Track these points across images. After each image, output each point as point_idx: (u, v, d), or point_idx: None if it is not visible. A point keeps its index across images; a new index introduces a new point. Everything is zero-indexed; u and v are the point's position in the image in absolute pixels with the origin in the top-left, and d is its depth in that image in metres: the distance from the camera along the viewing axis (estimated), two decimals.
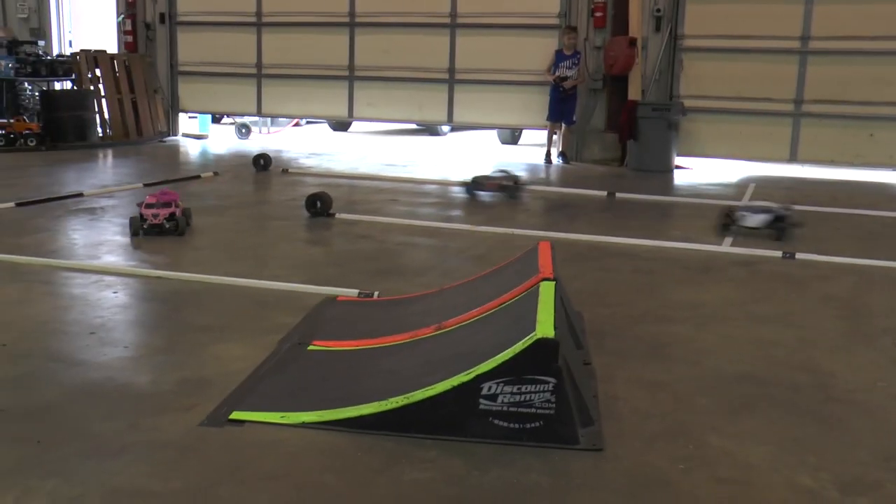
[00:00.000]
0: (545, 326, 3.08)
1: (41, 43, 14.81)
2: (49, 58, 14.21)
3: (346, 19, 13.83)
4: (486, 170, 9.93)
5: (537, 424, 3.04)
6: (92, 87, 13.53)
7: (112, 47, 14.79)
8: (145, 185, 8.93)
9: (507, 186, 9.04)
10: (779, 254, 6.47)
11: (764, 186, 10.67)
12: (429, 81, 13.55)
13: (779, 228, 7.19)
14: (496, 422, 3.05)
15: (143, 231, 6.52)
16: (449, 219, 7.88)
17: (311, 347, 4.04)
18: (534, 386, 3.02)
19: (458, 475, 2.83)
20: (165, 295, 4.99)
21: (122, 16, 14.60)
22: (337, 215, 7.56)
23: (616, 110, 12.25)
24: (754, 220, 7.26)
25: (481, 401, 3.05)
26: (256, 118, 15.64)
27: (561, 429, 3.04)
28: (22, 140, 12.31)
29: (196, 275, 5.34)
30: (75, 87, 13.84)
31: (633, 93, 12.05)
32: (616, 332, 4.46)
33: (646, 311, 4.90)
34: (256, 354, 3.93)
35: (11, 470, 2.80)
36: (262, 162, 10.74)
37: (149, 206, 6.65)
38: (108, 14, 15.49)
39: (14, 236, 6.40)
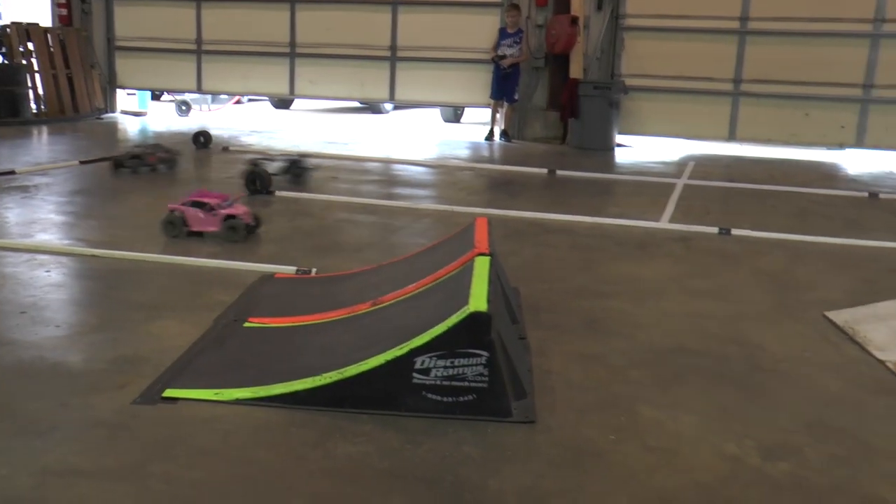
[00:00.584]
0: (478, 300, 3.10)
1: None
2: None
3: None
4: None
5: (470, 398, 3.06)
6: (24, 62, 13.19)
7: (46, 20, 14.43)
8: (81, 163, 8.76)
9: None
10: (715, 230, 6.58)
11: (703, 164, 10.84)
12: (371, 59, 13.50)
13: (295, 173, 8.30)
14: (430, 395, 3.07)
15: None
16: (390, 196, 7.88)
17: (246, 324, 4.02)
18: (467, 359, 3.04)
19: (391, 448, 2.85)
20: (101, 273, 4.91)
21: None
22: (276, 193, 7.50)
23: (558, 89, 12.32)
24: (273, 166, 8.15)
25: (414, 375, 3.07)
26: (197, 95, 15.42)
27: (494, 402, 3.07)
28: None
29: (132, 253, 5.26)
30: (6, 62, 13.48)
31: (575, 71, 12.13)
32: (552, 306, 4.50)
33: (582, 286, 4.95)
34: (192, 332, 3.89)
35: None
36: (202, 139, 10.60)
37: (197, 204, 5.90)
38: None
39: None
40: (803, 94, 12.04)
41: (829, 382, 3.62)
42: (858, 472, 2.83)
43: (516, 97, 12.56)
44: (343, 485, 2.63)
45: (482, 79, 12.79)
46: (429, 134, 13.68)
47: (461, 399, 3.07)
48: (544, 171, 9.48)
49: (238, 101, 17.95)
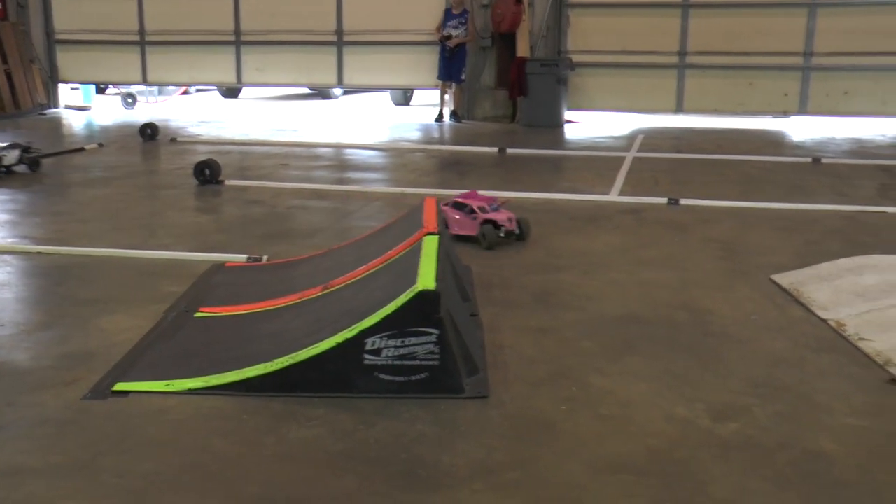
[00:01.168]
0: (426, 279, 3.10)
1: None
2: None
3: None
4: None
5: (423, 376, 3.08)
6: None
7: None
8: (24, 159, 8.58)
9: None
10: (664, 200, 6.65)
11: (652, 137, 10.93)
12: (317, 44, 13.38)
13: (28, 162, 7.93)
14: (381, 376, 3.08)
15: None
16: (341, 180, 7.85)
17: (197, 314, 3.99)
18: (417, 338, 3.05)
19: (345, 430, 2.85)
20: (47, 270, 4.84)
21: None
22: (226, 182, 7.43)
23: (505, 67, 12.33)
24: (10, 157, 7.83)
25: (366, 356, 3.07)
26: (142, 87, 15.18)
27: (446, 379, 3.08)
28: None
29: (80, 248, 5.19)
30: None
31: (522, 50, 12.14)
32: (504, 283, 4.52)
33: (534, 261, 4.98)
34: (142, 325, 3.86)
35: None
36: (150, 131, 10.45)
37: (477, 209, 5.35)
38: None
39: None
40: (747, 65, 12.17)
41: (775, 343, 3.69)
42: (802, 427, 2.90)
43: (464, 77, 12.54)
44: (297, 469, 2.63)
45: (429, 60, 12.74)
46: (379, 118, 13.62)
47: (413, 378, 3.09)
48: (494, 149, 9.50)
49: (185, 92, 17.72)
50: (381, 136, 11.22)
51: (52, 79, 14.35)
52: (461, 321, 3.40)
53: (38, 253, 5.12)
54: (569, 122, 12.28)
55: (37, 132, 11.57)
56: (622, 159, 8.82)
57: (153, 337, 3.73)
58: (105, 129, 11.94)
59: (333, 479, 2.57)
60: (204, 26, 13.69)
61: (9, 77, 13.31)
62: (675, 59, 12.41)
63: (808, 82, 12.14)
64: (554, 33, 12.49)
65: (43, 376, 3.31)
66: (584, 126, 12.14)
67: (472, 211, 5.32)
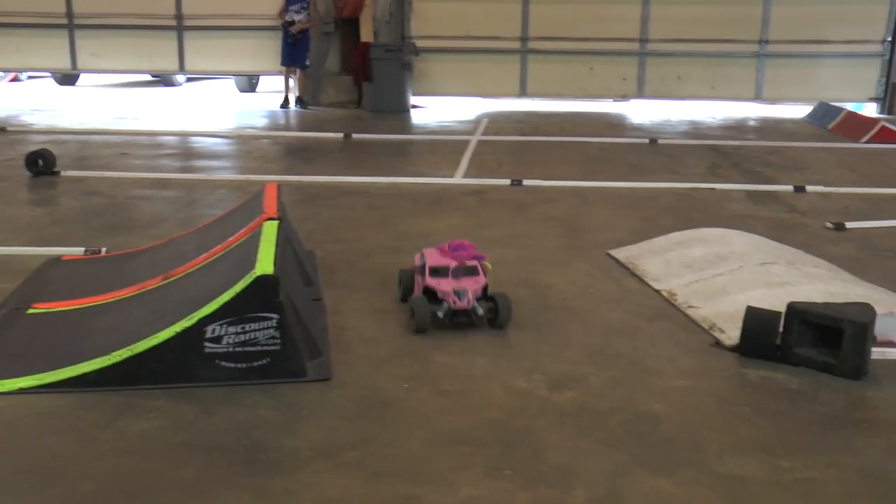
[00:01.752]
0: (264, 264, 3.09)
1: None
2: None
3: None
4: None
5: (264, 361, 3.06)
6: None
7: None
8: None
9: None
10: (507, 182, 6.80)
11: (497, 120, 11.14)
12: (157, 28, 12.99)
13: None
14: (223, 363, 3.04)
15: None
16: (184, 169, 7.66)
17: (31, 311, 3.82)
18: (257, 324, 3.03)
19: (185, 420, 2.81)
20: None
21: None
22: (62, 173, 7.12)
23: (350, 53, 12.30)
24: None
25: (206, 344, 3.03)
26: None
27: (288, 363, 3.07)
28: None
29: None
30: None
31: (366, 35, 12.14)
32: (348, 266, 4.54)
33: (378, 244, 5.01)
34: None
35: None
36: None
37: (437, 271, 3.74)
38: None
39: None
40: (587, 50, 12.58)
41: (611, 314, 3.85)
42: (634, 391, 3.05)
43: (308, 63, 12.43)
44: (136, 462, 2.57)
45: (273, 46, 12.55)
46: (224, 105, 13.33)
47: (255, 364, 3.06)
48: (340, 135, 9.47)
49: (15, 78, 16.83)
50: (226, 123, 11.00)
51: None
52: (302, 305, 3.40)
53: None
54: (415, 107, 12.37)
55: None
56: (467, 143, 8.96)
57: None
58: None
59: (174, 469, 2.52)
60: (33, 7, 13.03)
61: None
62: (517, 45, 12.69)
63: (644, 67, 12.67)
64: (397, 18, 12.54)
65: None
66: (430, 111, 12.25)
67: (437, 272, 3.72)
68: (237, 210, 4.54)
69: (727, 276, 4.10)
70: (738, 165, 7.92)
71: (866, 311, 3.22)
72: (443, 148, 8.78)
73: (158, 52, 13.17)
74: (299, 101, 12.49)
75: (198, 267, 3.75)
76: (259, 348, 3.05)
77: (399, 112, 11.85)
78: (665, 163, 8.01)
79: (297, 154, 8.56)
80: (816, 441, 2.73)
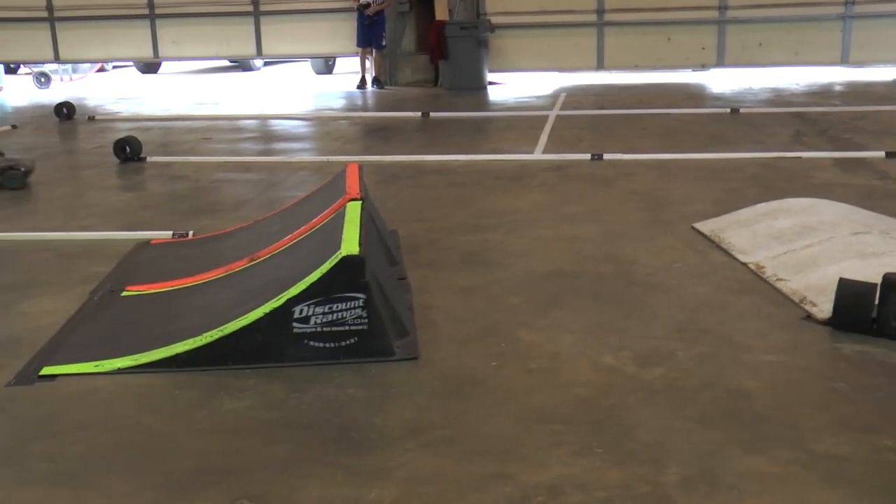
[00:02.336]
0: (350, 244, 3.11)
1: None
2: None
3: None
4: None
5: (352, 341, 3.09)
6: None
7: None
8: None
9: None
10: (587, 156, 6.73)
11: (574, 95, 11.03)
12: (234, 15, 13.16)
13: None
14: (311, 343, 3.08)
15: None
16: (265, 152, 7.78)
17: (124, 293, 3.94)
18: (344, 304, 3.06)
19: (277, 399, 2.86)
20: None
21: None
22: (148, 159, 7.30)
23: (425, 32, 12.29)
24: None
25: (294, 324, 3.07)
26: (55, 65, 14.73)
27: (375, 342, 3.10)
28: None
29: None
30: None
31: (441, 13, 12.11)
32: (431, 244, 4.55)
33: (460, 222, 5.01)
34: (67, 307, 3.79)
35: None
36: (66, 111, 10.19)
37: None
38: None
39: None
40: (664, 20, 12.33)
41: (697, 288, 3.79)
42: (724, 367, 2.99)
43: (384, 43, 12.47)
44: (230, 440, 2.63)
45: (348, 27, 12.62)
46: (302, 87, 13.48)
47: (343, 343, 3.10)
48: (418, 114, 9.49)
49: (101, 69, 17.25)
50: (305, 105, 11.12)
51: None
52: (388, 284, 3.42)
53: None
54: (492, 83, 12.31)
55: None
56: (545, 118, 8.89)
57: (79, 318, 3.67)
58: (18, 111, 11.60)
59: (267, 447, 2.58)
60: (116, 0, 13.34)
61: None
62: (593, 18, 12.50)
63: (724, 35, 12.36)
64: None
65: None
66: (507, 87, 12.18)
67: None
68: (320, 191, 4.59)
69: (817, 247, 3.99)
70: (825, 132, 7.69)
71: None
72: (521, 124, 8.73)
73: (236, 38, 13.37)
74: (376, 81, 12.55)
75: (283, 248, 3.80)
76: (346, 328, 3.08)
77: (476, 89, 11.82)
78: (748, 132, 7.82)
79: (376, 134, 8.60)
80: None
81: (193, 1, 13.14)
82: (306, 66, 16.84)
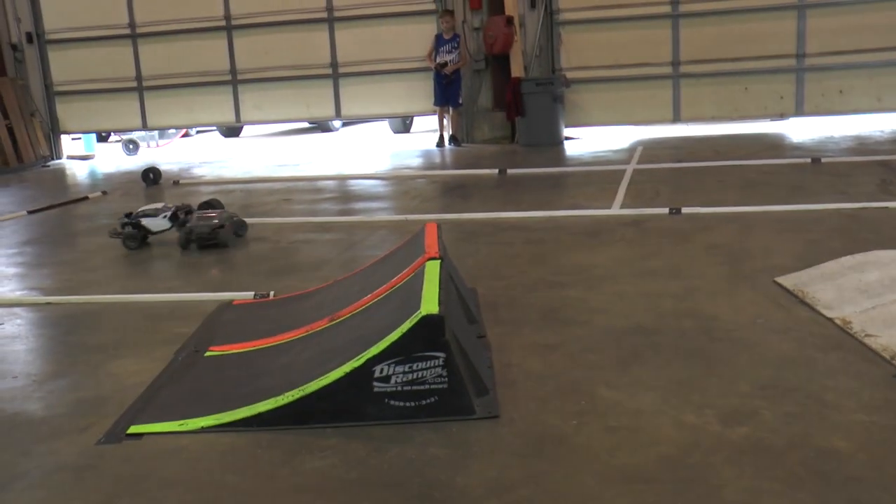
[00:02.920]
0: (430, 304, 3.13)
1: None
2: None
3: (223, 23, 13.68)
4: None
5: (432, 400, 3.10)
6: None
7: None
8: (30, 212, 8.69)
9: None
10: (665, 210, 6.68)
11: (651, 148, 10.99)
12: (313, 78, 13.52)
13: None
14: (392, 402, 3.10)
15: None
16: (344, 212, 7.91)
17: (207, 353, 4.03)
18: (424, 363, 3.08)
19: (358, 458, 2.88)
20: (56, 320, 4.88)
21: None
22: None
23: (501, 89, 12.42)
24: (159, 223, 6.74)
25: (375, 384, 3.10)
26: (143, 132, 15.32)
27: (456, 401, 3.10)
28: None
29: (88, 296, 5.24)
30: None
31: (516, 70, 12.22)
32: (510, 302, 4.55)
33: (538, 279, 5.01)
34: (153, 367, 3.89)
35: None
36: (152, 176, 10.55)
37: None
38: None
39: None
40: (740, 70, 12.25)
41: (781, 345, 3.70)
42: (812, 426, 2.90)
43: (461, 101, 12.64)
44: (312, 499, 2.65)
45: (424, 87, 12.85)
46: (380, 146, 13.72)
47: (423, 402, 3.11)
48: (495, 171, 9.55)
49: (186, 134, 17.85)
50: (383, 164, 11.30)
51: (54, 130, 14.51)
52: (467, 343, 3.42)
53: (48, 304, 5.17)
54: (568, 138, 12.35)
55: (41, 184, 11.70)
56: (622, 172, 8.86)
57: (164, 378, 3.76)
58: (108, 177, 12.04)
59: None
60: (200, 68, 13.86)
61: (10, 131, 13.47)
62: (668, 70, 12.48)
63: (802, 83, 12.19)
64: (547, 52, 12.59)
65: (57, 424, 3.34)
66: (584, 142, 12.20)
67: None
68: (399, 250, 4.64)
69: None
70: None
71: None
72: (598, 179, 8.71)
73: (315, 100, 13.71)
74: (453, 139, 12.70)
75: (363, 307, 3.85)
76: (427, 386, 3.09)
77: (552, 145, 11.87)
78: (830, 182, 7.67)
79: (454, 192, 8.69)
80: None
81: (274, 66, 13.55)
82: (384, 126, 17.14)
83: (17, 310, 5.07)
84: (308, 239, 6.69)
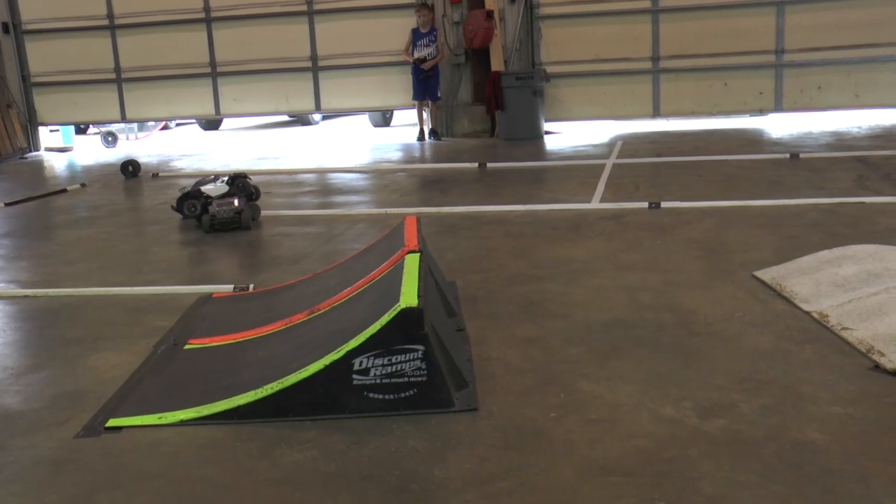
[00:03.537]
0: (409, 297, 3.14)
1: None
2: None
3: (202, 15, 13.59)
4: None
5: (412, 392, 3.11)
6: None
7: None
8: (7, 205, 8.61)
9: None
10: (645, 205, 6.71)
11: (631, 143, 11.02)
12: (293, 71, 13.47)
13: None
14: (371, 395, 3.10)
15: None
16: (324, 205, 7.89)
17: (187, 346, 4.01)
18: (403, 356, 3.08)
19: (337, 451, 2.88)
20: (35, 313, 4.85)
21: None
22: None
23: (481, 83, 12.41)
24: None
25: (354, 376, 3.10)
26: (122, 125, 15.20)
27: (435, 394, 3.11)
28: None
29: (67, 289, 5.20)
30: None
31: (496, 64, 12.23)
32: (489, 295, 4.56)
33: (518, 272, 5.02)
34: (132, 361, 3.88)
35: None
36: (131, 168, 10.47)
37: None
38: None
39: None
40: (720, 66, 12.30)
41: (759, 338, 3.73)
42: (788, 419, 2.93)
43: (439, 95, 12.64)
44: (291, 491, 2.65)
45: (403, 81, 12.84)
46: (360, 140, 13.69)
47: (403, 395, 3.11)
48: (475, 165, 9.57)
49: (165, 127, 17.75)
50: (363, 158, 11.28)
51: (31, 122, 14.37)
52: (447, 336, 3.43)
53: (25, 296, 5.13)
54: (548, 133, 12.37)
55: (19, 176, 11.60)
56: (602, 166, 8.89)
57: (143, 371, 3.75)
58: (87, 169, 11.95)
59: (329, 499, 2.59)
60: (179, 60, 13.76)
61: None
62: (648, 65, 12.52)
63: (781, 79, 12.27)
64: (527, 46, 12.60)
65: (35, 418, 3.32)
66: (564, 136, 12.22)
67: None
68: (378, 243, 4.64)
69: (883, 294, 3.91)
70: (889, 177, 7.56)
71: None
72: (578, 173, 8.74)
73: (295, 94, 13.66)
74: (433, 132, 12.70)
75: (342, 301, 3.85)
76: (406, 379, 3.10)
77: (533, 139, 11.88)
78: (808, 178, 7.72)
79: (434, 185, 8.68)
80: None
81: (254, 59, 13.49)
82: (364, 120, 17.11)
83: None
84: (288, 232, 6.67)
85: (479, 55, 12.47)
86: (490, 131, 12.57)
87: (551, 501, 2.49)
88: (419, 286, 3.28)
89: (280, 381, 3.15)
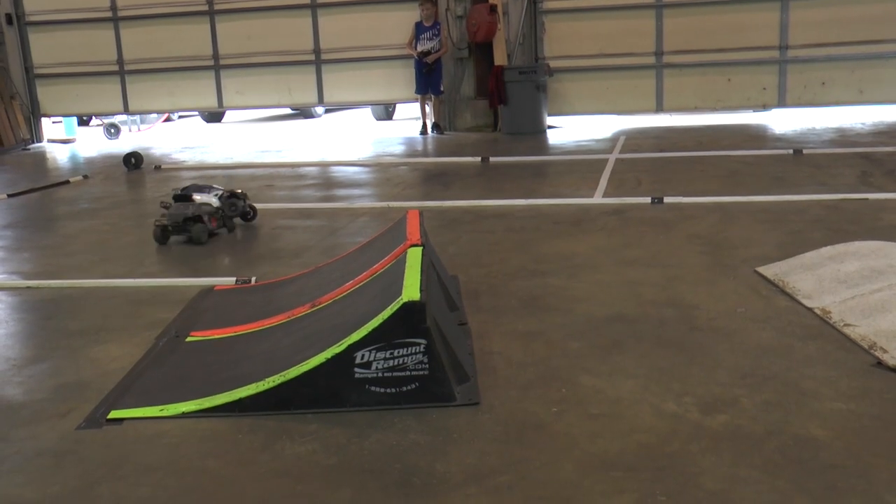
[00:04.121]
0: (411, 290, 3.14)
1: None
2: None
3: (206, 7, 13.57)
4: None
5: (413, 386, 3.11)
6: None
7: None
8: (9, 196, 8.62)
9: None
10: (648, 200, 6.70)
11: (634, 137, 11.01)
12: (296, 64, 13.45)
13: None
14: (373, 388, 3.10)
15: None
16: (326, 198, 7.89)
17: (189, 339, 4.02)
18: (405, 349, 3.08)
19: (338, 444, 2.88)
20: (37, 305, 4.85)
21: None
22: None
23: (484, 77, 12.39)
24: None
25: (356, 370, 3.10)
26: (125, 117, 15.19)
27: (436, 388, 3.11)
28: None
29: (69, 281, 5.21)
30: None
31: (499, 58, 12.20)
32: (491, 290, 4.56)
33: (520, 267, 5.02)
34: (134, 353, 3.88)
35: None
36: (134, 161, 10.47)
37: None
38: None
39: None
40: (724, 61, 12.28)
41: (761, 334, 3.73)
42: (790, 415, 2.93)
43: (442, 89, 12.62)
44: (292, 484, 2.65)
45: (406, 74, 12.82)
46: (362, 134, 13.68)
47: (404, 389, 3.11)
48: (477, 159, 9.55)
49: (168, 119, 17.72)
50: (365, 151, 11.27)
51: (34, 114, 14.36)
52: (449, 330, 3.43)
53: (28, 288, 5.14)
54: (551, 127, 12.35)
55: (22, 167, 11.60)
56: (605, 161, 8.88)
57: (145, 363, 3.75)
58: (90, 161, 11.95)
59: (329, 492, 2.59)
60: (182, 52, 13.74)
61: None
62: (651, 60, 12.49)
63: (785, 75, 12.24)
64: (530, 40, 12.57)
65: (37, 409, 3.33)
66: (567, 131, 12.21)
67: None
68: (381, 237, 4.64)
69: (886, 291, 3.91)
70: (893, 173, 7.55)
71: None
72: (581, 168, 8.72)
73: (298, 86, 13.65)
74: (436, 126, 12.68)
75: (344, 294, 3.85)
76: (408, 373, 3.10)
77: (535, 133, 11.87)
78: (811, 173, 7.71)
79: (436, 179, 8.67)
80: None
81: (257, 52, 13.47)
82: (367, 113, 17.09)
83: None
84: (290, 225, 6.67)
85: (482, 49, 12.44)
86: (493, 125, 12.55)
87: (552, 496, 2.49)
88: (421, 280, 3.27)
89: (282, 373, 3.16)
